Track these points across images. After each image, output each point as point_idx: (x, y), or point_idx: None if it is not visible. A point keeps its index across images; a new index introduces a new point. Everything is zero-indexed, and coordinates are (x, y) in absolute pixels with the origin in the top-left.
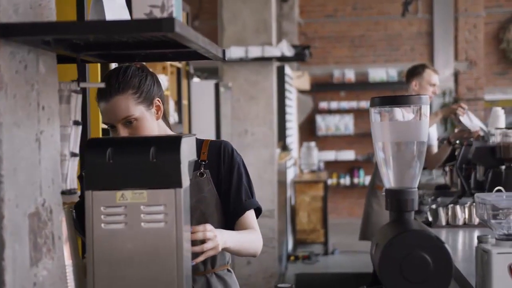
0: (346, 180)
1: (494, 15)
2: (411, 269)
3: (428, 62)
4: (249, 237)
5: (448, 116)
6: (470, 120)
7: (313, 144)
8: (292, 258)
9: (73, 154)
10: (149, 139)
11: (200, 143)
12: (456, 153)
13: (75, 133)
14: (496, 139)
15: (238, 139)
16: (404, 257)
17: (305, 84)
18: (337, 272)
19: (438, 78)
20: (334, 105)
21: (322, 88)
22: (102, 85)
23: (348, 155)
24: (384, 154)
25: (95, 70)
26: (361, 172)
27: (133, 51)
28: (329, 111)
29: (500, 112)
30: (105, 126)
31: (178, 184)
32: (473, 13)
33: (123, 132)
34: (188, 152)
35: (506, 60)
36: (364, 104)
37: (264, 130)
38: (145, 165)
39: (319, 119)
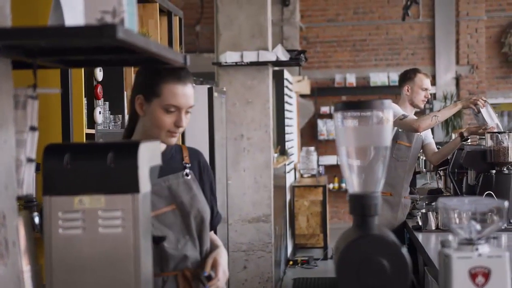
0: None
1: (496, 19)
2: (368, 274)
3: (425, 67)
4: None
5: (467, 107)
6: (490, 115)
7: (312, 148)
8: (290, 262)
9: (29, 160)
10: (107, 145)
11: (178, 147)
12: (449, 157)
13: (32, 139)
14: (487, 143)
15: (234, 143)
16: (361, 262)
17: (306, 88)
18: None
19: (430, 82)
20: None
21: (323, 92)
22: (58, 90)
23: None
24: (347, 159)
25: (56, 75)
26: None
27: (92, 57)
28: (331, 116)
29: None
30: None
31: (135, 189)
32: (475, 17)
33: (185, 118)
34: (149, 157)
35: (508, 64)
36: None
37: (260, 134)
38: (103, 170)
39: (320, 123)
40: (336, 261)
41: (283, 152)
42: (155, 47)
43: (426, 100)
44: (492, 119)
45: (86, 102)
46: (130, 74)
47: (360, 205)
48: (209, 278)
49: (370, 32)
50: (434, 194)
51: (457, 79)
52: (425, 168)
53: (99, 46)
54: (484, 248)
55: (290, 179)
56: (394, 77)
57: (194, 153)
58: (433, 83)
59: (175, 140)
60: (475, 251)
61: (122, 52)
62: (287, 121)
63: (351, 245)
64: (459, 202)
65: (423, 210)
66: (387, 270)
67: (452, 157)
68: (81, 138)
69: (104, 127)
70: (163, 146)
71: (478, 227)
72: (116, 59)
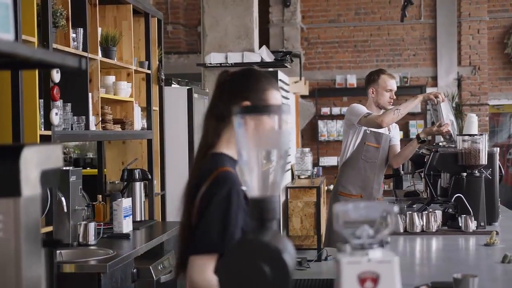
0: None
1: (498, 19)
2: (249, 279)
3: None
4: None
5: (428, 99)
6: (447, 112)
7: (307, 149)
8: None
9: None
10: None
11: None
12: (426, 159)
13: None
14: (459, 145)
15: None
16: (242, 267)
17: (304, 89)
18: (329, 278)
19: (395, 83)
20: (336, 110)
21: (324, 93)
22: None
23: None
24: (247, 162)
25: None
26: None
27: None
28: (331, 117)
29: (474, 118)
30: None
31: (17, 193)
32: (477, 18)
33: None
34: (41, 160)
35: (511, 65)
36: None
37: None
38: None
39: (321, 124)
40: (218, 266)
41: None
42: (32, 52)
43: (392, 101)
44: (448, 116)
45: (43, 103)
46: (96, 77)
47: (259, 209)
48: None
49: (372, 33)
50: (411, 196)
51: (459, 80)
52: (402, 170)
53: None
54: (376, 253)
55: (286, 180)
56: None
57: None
58: (434, 84)
59: None
60: (365, 256)
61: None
62: None
63: (232, 250)
64: (353, 207)
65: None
66: (267, 276)
67: (429, 159)
68: (34, 139)
69: (65, 128)
70: None
71: (371, 232)
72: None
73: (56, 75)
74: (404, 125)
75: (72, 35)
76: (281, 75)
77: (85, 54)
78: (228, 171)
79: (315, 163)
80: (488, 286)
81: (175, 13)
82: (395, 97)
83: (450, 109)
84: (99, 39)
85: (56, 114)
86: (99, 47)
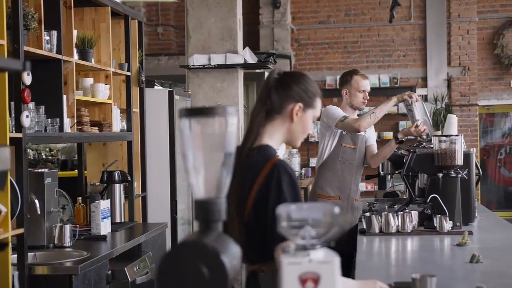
0: None
1: (488, 20)
2: (188, 280)
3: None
4: None
5: (402, 100)
6: (422, 111)
7: (294, 150)
8: None
9: None
10: None
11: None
12: (405, 160)
13: None
14: (435, 146)
15: None
16: (180, 269)
17: None
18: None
19: (369, 83)
20: None
21: None
22: None
23: None
24: (192, 164)
25: None
26: None
27: None
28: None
29: (453, 119)
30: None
31: None
32: (466, 19)
33: None
34: None
35: (501, 66)
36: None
37: None
38: None
39: None
40: (156, 267)
41: None
42: None
43: (365, 101)
44: (422, 116)
45: (13, 106)
46: (72, 79)
47: (204, 211)
48: None
49: (362, 34)
50: (390, 197)
51: (449, 81)
52: (382, 171)
53: None
54: (317, 254)
55: None
56: (385, 79)
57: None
58: (424, 84)
59: None
60: (306, 257)
61: None
62: None
63: (173, 252)
64: (296, 208)
65: (367, 214)
66: (205, 277)
67: (407, 160)
68: (4, 141)
69: (38, 130)
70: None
71: (313, 232)
72: None
73: (27, 78)
74: (394, 126)
75: (46, 37)
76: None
77: (59, 56)
78: (282, 160)
79: (305, 164)
80: (447, 286)
81: (166, 15)
82: (368, 97)
83: (424, 109)
84: (74, 41)
85: (27, 116)
86: (74, 50)
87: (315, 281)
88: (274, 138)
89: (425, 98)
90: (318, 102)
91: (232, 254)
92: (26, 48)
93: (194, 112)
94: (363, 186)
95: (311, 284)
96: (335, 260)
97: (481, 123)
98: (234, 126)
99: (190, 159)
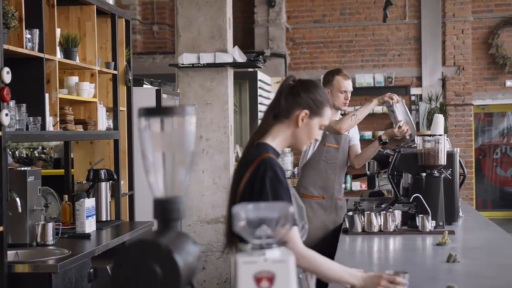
0: None
1: (483, 20)
2: (141, 279)
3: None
4: None
5: (383, 103)
6: (404, 112)
7: (287, 150)
8: None
9: None
10: None
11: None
12: (390, 159)
13: None
14: (418, 146)
15: None
16: (135, 267)
17: None
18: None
19: (351, 84)
20: None
21: None
22: None
23: None
24: (152, 163)
25: None
26: (348, 178)
27: None
28: None
29: (439, 119)
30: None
31: None
32: (461, 18)
33: None
34: None
35: (496, 65)
36: (351, 109)
37: (219, 135)
38: None
39: None
40: (111, 266)
41: None
42: None
43: (347, 102)
44: (404, 116)
45: None
46: (54, 77)
47: (163, 210)
48: None
49: (357, 33)
50: (375, 196)
51: (443, 80)
52: (368, 170)
53: None
54: (273, 253)
55: None
56: (380, 78)
57: None
58: (419, 84)
59: None
60: (261, 256)
61: None
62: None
63: (127, 250)
64: (253, 207)
65: (350, 213)
66: (158, 276)
67: (392, 159)
68: None
69: (19, 128)
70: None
71: (269, 232)
72: None
73: (6, 76)
74: (388, 125)
75: (27, 36)
76: (260, 75)
77: (41, 55)
78: (271, 157)
79: (298, 163)
80: (419, 285)
81: (161, 14)
82: (349, 98)
83: (406, 109)
84: (58, 40)
85: (7, 114)
86: (57, 48)
87: (270, 280)
88: (277, 139)
89: (419, 98)
90: (326, 111)
91: (187, 253)
92: (6, 46)
93: (152, 112)
94: (357, 185)
95: (266, 283)
96: (291, 259)
97: (477, 123)
98: (193, 125)
99: (149, 158)
